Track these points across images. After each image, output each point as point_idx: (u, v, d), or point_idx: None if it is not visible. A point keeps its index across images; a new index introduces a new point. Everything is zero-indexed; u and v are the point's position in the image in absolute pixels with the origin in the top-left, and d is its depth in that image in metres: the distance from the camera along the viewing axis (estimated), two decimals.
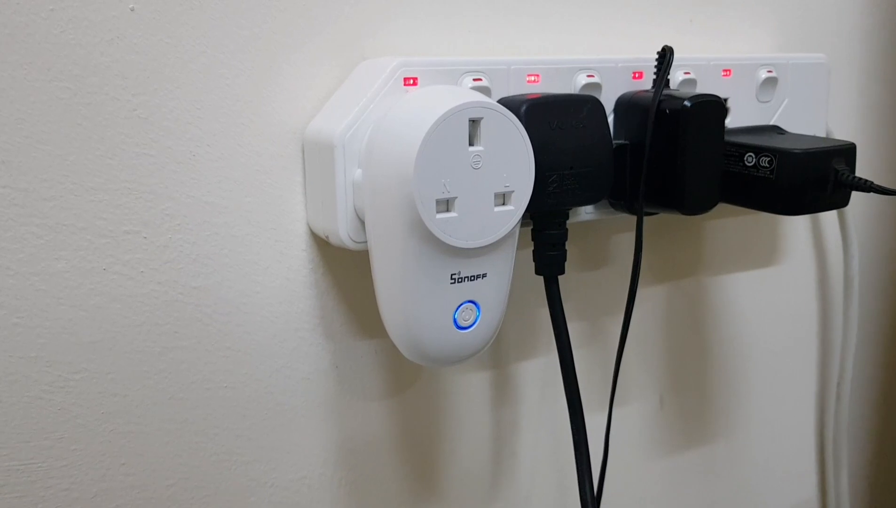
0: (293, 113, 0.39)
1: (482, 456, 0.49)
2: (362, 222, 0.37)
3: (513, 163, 0.35)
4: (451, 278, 0.36)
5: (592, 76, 0.43)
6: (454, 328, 0.36)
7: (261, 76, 0.38)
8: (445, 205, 0.34)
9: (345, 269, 0.42)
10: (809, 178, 0.44)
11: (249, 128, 0.38)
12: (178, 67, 0.36)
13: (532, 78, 0.41)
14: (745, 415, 0.62)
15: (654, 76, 0.44)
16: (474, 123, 0.34)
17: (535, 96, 0.39)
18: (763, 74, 0.50)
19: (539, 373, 0.50)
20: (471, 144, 0.34)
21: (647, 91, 0.44)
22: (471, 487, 0.49)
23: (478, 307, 0.37)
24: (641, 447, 0.56)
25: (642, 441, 0.56)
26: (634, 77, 0.45)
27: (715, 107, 0.42)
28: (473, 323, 0.37)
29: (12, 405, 0.35)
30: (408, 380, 0.45)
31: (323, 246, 0.41)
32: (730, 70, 0.49)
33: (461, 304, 0.36)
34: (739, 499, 0.63)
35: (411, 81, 0.38)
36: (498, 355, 0.48)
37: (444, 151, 0.33)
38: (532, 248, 0.41)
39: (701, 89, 0.47)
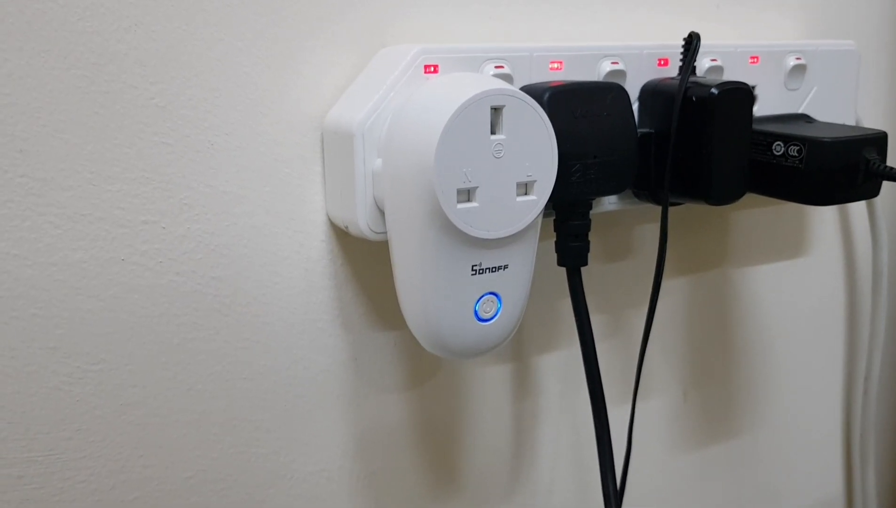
0: (312, 101, 0.38)
1: (502, 449, 0.48)
2: (382, 212, 0.36)
3: (535, 152, 0.34)
4: (472, 270, 0.35)
5: (617, 63, 0.42)
6: (475, 320, 0.36)
7: (279, 64, 0.37)
8: (466, 195, 0.33)
9: (364, 259, 0.41)
10: (839, 167, 0.43)
11: (268, 116, 0.37)
12: (196, 55, 0.35)
13: (555, 65, 0.40)
14: (770, 410, 0.61)
15: (681, 63, 0.43)
16: (496, 110, 0.33)
17: (558, 84, 0.38)
18: (791, 62, 0.49)
19: (560, 366, 0.49)
20: (493, 132, 0.33)
21: (672, 78, 0.43)
22: (490, 480, 0.48)
23: (499, 299, 0.36)
24: (664, 441, 0.55)
25: (665, 436, 0.56)
26: (660, 64, 0.44)
27: (742, 94, 0.41)
28: (494, 315, 0.36)
29: (31, 395, 0.34)
30: (427, 372, 0.44)
31: (342, 236, 0.40)
32: (757, 57, 0.48)
33: (482, 296, 0.36)
34: (764, 495, 0.62)
35: (432, 69, 0.37)
36: (519, 347, 0.47)
37: (465, 140, 0.33)
38: (554, 239, 0.41)
39: (728, 77, 0.46)
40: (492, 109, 0.33)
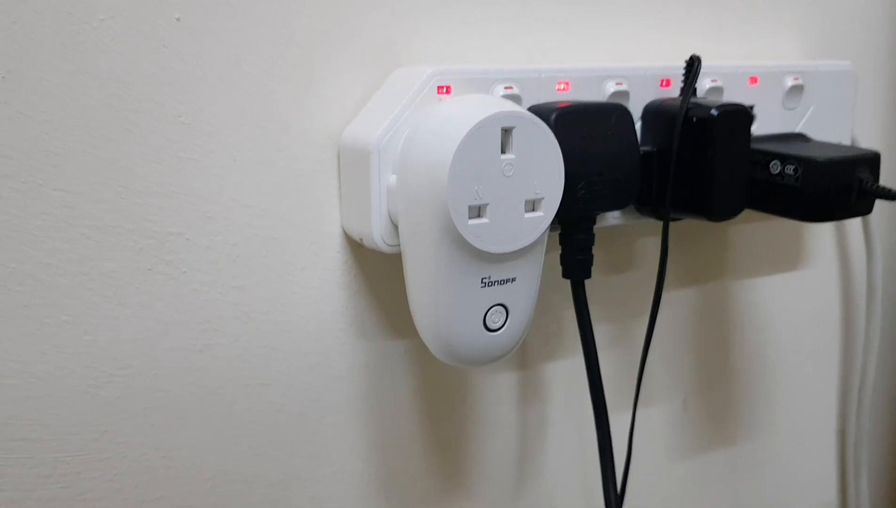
0: (330, 119, 0.40)
1: (508, 456, 0.50)
2: (396, 226, 0.38)
3: (543, 170, 0.36)
4: (482, 282, 0.37)
5: (621, 84, 0.44)
6: (484, 330, 0.38)
7: (299, 83, 0.39)
8: (477, 211, 0.35)
9: (377, 271, 0.43)
10: (834, 186, 0.45)
11: (288, 133, 0.39)
12: (220, 76, 0.37)
13: (561, 86, 0.42)
14: (767, 419, 0.63)
15: (682, 84, 0.45)
16: (507, 131, 0.35)
17: (564, 104, 0.40)
18: (789, 82, 0.51)
19: (564, 374, 0.51)
20: (503, 151, 0.35)
21: (674, 99, 0.45)
22: (496, 485, 0.50)
23: (507, 310, 0.38)
24: (664, 448, 0.57)
25: (665, 443, 0.57)
26: (662, 85, 0.46)
27: (741, 116, 0.43)
28: (502, 326, 0.38)
29: (61, 398, 0.36)
30: (437, 379, 0.46)
31: (356, 248, 0.42)
32: (756, 78, 0.50)
33: (491, 307, 0.37)
34: (761, 502, 0.64)
35: (445, 90, 0.39)
36: (524, 356, 0.49)
37: (477, 159, 0.34)
38: (559, 251, 0.42)
39: (728, 97, 0.48)
40: (502, 129, 0.35)
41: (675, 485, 0.58)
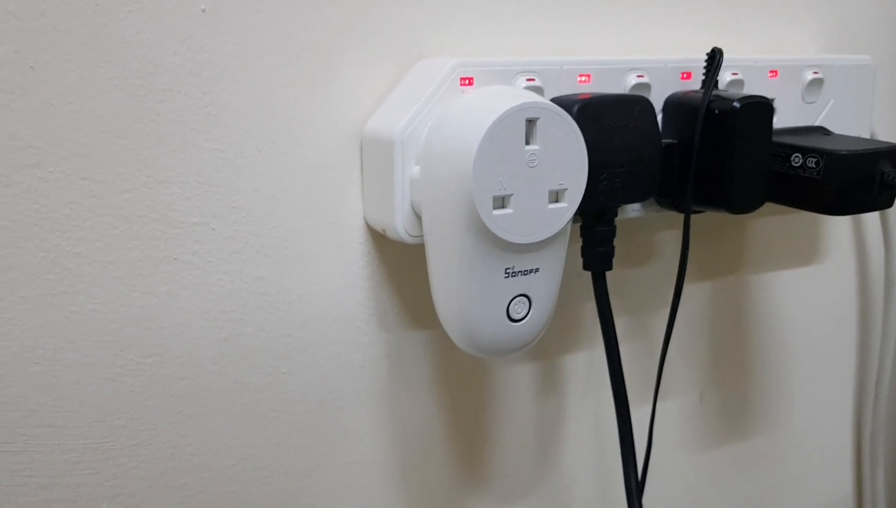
0: (352, 111, 0.40)
1: (527, 446, 0.50)
2: (419, 217, 0.38)
3: (567, 161, 0.36)
4: (506, 273, 0.37)
5: (642, 76, 0.44)
6: (507, 320, 0.38)
7: (322, 75, 0.39)
8: (501, 202, 0.35)
9: (399, 262, 0.43)
10: (855, 179, 0.45)
11: (311, 125, 0.39)
12: (244, 67, 0.37)
13: (583, 78, 0.42)
14: (783, 412, 0.63)
15: (703, 77, 0.45)
16: (531, 122, 0.35)
17: (586, 96, 0.40)
18: (809, 76, 0.51)
19: (584, 366, 0.51)
20: (527, 142, 0.35)
21: (695, 91, 0.45)
22: (515, 475, 0.50)
23: (530, 301, 0.38)
24: (681, 441, 0.57)
25: (682, 436, 0.57)
26: (683, 77, 0.46)
27: (763, 108, 0.43)
28: (525, 316, 0.38)
29: (88, 386, 0.37)
30: (457, 370, 0.46)
31: (378, 240, 0.42)
32: (776, 71, 0.50)
33: (514, 297, 0.38)
34: (776, 495, 0.64)
35: (467, 81, 0.39)
36: (544, 347, 0.49)
37: (501, 150, 0.34)
38: (580, 243, 0.42)
39: (748, 90, 0.48)
40: (527, 120, 0.35)
41: (692, 477, 0.59)
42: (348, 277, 0.42)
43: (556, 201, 0.37)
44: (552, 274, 0.38)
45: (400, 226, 0.39)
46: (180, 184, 0.37)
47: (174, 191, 0.37)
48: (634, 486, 0.43)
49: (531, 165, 0.35)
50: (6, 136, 0.33)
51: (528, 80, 0.40)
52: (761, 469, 0.62)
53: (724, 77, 0.47)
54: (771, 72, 0.50)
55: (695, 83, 0.46)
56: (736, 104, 0.42)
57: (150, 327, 0.37)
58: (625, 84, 0.44)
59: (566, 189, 0.36)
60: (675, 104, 0.45)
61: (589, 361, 0.51)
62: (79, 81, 0.34)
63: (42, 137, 0.34)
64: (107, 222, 0.36)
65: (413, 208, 0.38)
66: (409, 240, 0.39)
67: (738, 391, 0.60)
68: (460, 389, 0.47)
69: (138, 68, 0.35)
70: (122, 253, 0.36)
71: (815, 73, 0.51)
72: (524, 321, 0.38)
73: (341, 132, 0.40)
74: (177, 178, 0.37)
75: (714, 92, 0.44)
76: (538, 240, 0.36)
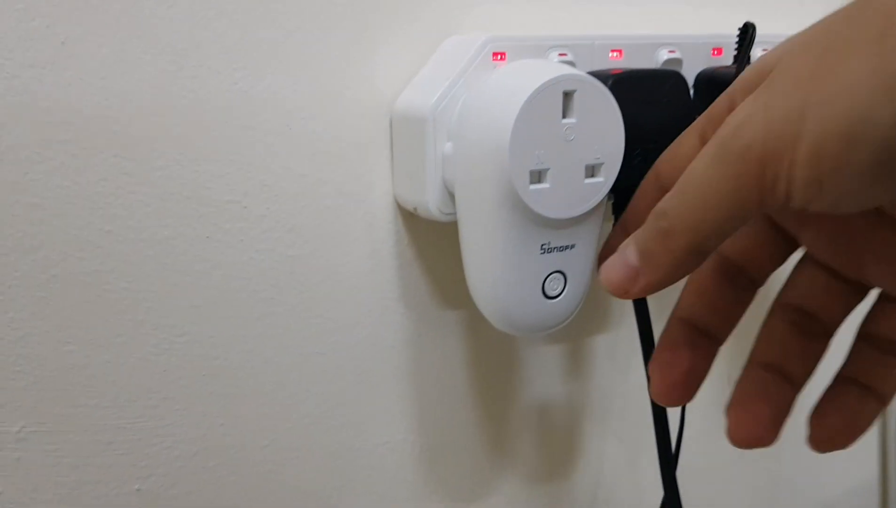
0: (382, 88, 0.40)
1: (557, 426, 0.50)
2: (451, 195, 0.38)
3: (604, 135, 0.36)
4: (541, 249, 0.36)
5: (674, 52, 0.43)
6: (542, 297, 0.37)
7: (352, 52, 0.39)
8: (538, 176, 0.35)
9: (429, 241, 0.43)
10: None
11: (341, 102, 0.39)
12: (275, 43, 0.37)
13: (614, 54, 0.42)
14: (809, 395, 0.62)
15: (736, 52, 0.44)
16: (568, 95, 0.34)
17: (618, 71, 0.40)
18: None
19: (611, 346, 0.51)
20: (564, 116, 0.35)
21: (727, 67, 0.44)
22: (544, 456, 0.50)
23: (565, 278, 0.38)
24: (708, 423, 0.57)
25: (706, 417, 0.57)
26: (714, 54, 0.45)
27: None
28: (561, 293, 0.38)
29: (120, 365, 0.36)
30: (488, 351, 0.46)
31: (408, 218, 0.42)
32: None
33: (549, 274, 0.37)
34: (802, 478, 0.63)
35: (499, 57, 0.38)
36: (575, 326, 0.49)
37: (538, 123, 0.34)
38: (612, 222, 0.42)
39: None
40: (564, 93, 0.34)
41: (717, 459, 0.58)
42: (378, 256, 0.42)
43: (593, 176, 0.36)
44: (588, 250, 0.38)
45: (432, 204, 0.38)
46: (212, 161, 0.37)
47: (206, 169, 0.36)
48: (669, 462, 0.42)
49: (568, 138, 0.35)
50: (38, 111, 0.33)
51: (560, 55, 0.40)
52: (787, 453, 0.62)
53: (754, 53, 0.46)
54: None
55: (725, 59, 0.45)
56: None
57: (183, 306, 0.37)
58: (656, 60, 0.43)
59: (603, 163, 0.36)
60: (707, 80, 0.44)
61: (616, 341, 0.51)
62: (109, 58, 0.34)
63: (73, 112, 0.33)
64: (139, 199, 0.35)
65: (445, 185, 0.38)
66: (441, 218, 0.38)
67: None
68: (491, 370, 0.46)
69: (169, 44, 0.35)
70: (155, 231, 0.36)
71: None
72: (560, 298, 0.38)
73: (371, 109, 0.40)
74: (208, 155, 0.36)
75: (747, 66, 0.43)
76: (575, 215, 0.36)
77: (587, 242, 0.38)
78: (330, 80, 0.39)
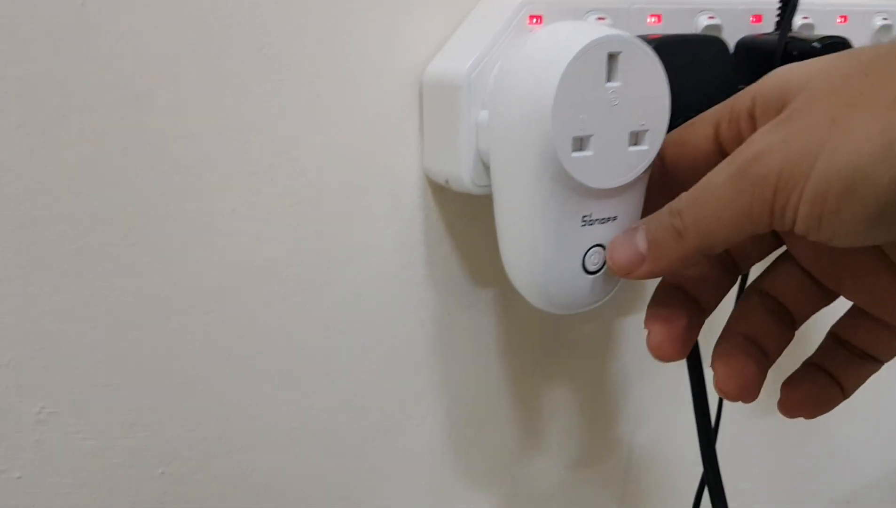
0: (411, 56, 0.38)
1: (589, 406, 0.48)
2: (486, 166, 0.36)
3: (649, 100, 0.34)
4: (583, 221, 0.35)
5: (713, 18, 0.41)
6: (582, 272, 0.36)
7: (381, 17, 0.37)
8: (580, 143, 0.33)
9: (458, 216, 0.41)
10: None
11: (369, 71, 0.37)
12: (303, 6, 0.35)
13: (653, 19, 0.40)
14: None
15: (777, 19, 0.42)
16: (612, 57, 0.33)
17: (656, 37, 0.38)
18: (878, 22, 0.49)
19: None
20: (608, 79, 0.33)
21: (767, 34, 0.43)
22: (574, 440, 0.48)
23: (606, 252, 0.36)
24: (744, 405, 0.55)
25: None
26: (753, 21, 0.43)
27: (843, 48, 0.41)
28: (602, 267, 0.36)
29: (145, 343, 0.35)
30: (519, 330, 0.44)
31: (437, 193, 0.40)
32: (846, 17, 0.47)
33: (590, 248, 0.35)
34: (838, 461, 0.62)
35: (536, 20, 0.37)
36: (609, 305, 0.47)
37: (582, 87, 0.32)
38: None
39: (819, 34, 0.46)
40: (608, 55, 0.33)
41: (756, 441, 0.57)
42: (407, 232, 0.40)
43: (636, 144, 0.34)
44: (630, 223, 0.36)
45: (466, 175, 0.37)
46: (236, 131, 0.35)
47: (230, 138, 0.35)
48: (709, 442, 0.41)
49: (612, 103, 0.33)
50: (57, 79, 0.31)
51: (599, 18, 0.38)
52: (823, 436, 0.61)
53: (795, 21, 0.45)
54: (840, 17, 0.47)
55: (765, 27, 0.44)
56: (816, 44, 0.40)
57: (208, 283, 0.35)
58: (695, 25, 0.41)
59: (647, 130, 0.34)
60: (747, 47, 0.42)
61: None
62: (131, 24, 0.32)
63: (94, 79, 0.32)
64: (162, 170, 0.34)
65: (479, 155, 0.36)
66: (475, 190, 0.37)
67: (802, 355, 0.58)
68: (522, 349, 0.45)
69: (195, 8, 0.33)
70: (178, 204, 0.34)
71: (885, 19, 0.49)
72: (601, 273, 0.36)
73: (400, 78, 0.38)
74: (232, 125, 0.35)
75: (789, 34, 0.41)
76: (619, 185, 0.34)
77: (630, 213, 0.36)
78: (358, 46, 0.37)
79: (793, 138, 0.26)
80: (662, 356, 0.33)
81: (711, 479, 0.40)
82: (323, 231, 0.38)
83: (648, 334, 0.33)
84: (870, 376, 0.34)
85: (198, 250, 0.35)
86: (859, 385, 0.34)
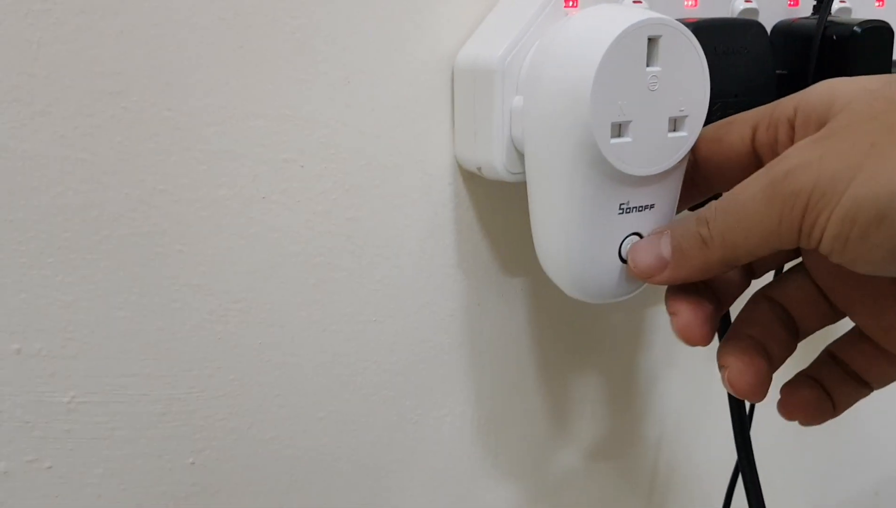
0: (443, 41, 0.38)
1: (618, 400, 0.48)
2: (519, 153, 0.36)
3: (689, 86, 0.33)
4: (620, 209, 0.34)
5: (750, 2, 0.41)
6: (619, 261, 0.35)
7: (412, 2, 0.36)
8: (619, 129, 0.32)
9: (489, 204, 0.40)
10: None
11: (401, 55, 0.37)
12: None
13: (689, 2, 0.39)
14: None
15: (815, 3, 0.41)
16: (652, 41, 0.32)
17: (693, 20, 0.37)
18: None
19: None
20: (648, 64, 0.32)
21: (805, 18, 0.42)
22: (602, 432, 0.48)
23: None
24: (772, 398, 0.55)
25: (772, 394, 0.55)
26: (790, 5, 0.42)
27: (885, 33, 0.40)
28: None
29: (174, 332, 0.34)
30: (550, 321, 0.44)
31: (469, 180, 0.40)
32: (884, 0, 0.46)
33: (627, 236, 0.35)
34: (867, 452, 0.61)
35: (571, 3, 0.36)
36: (639, 297, 0.47)
37: (621, 72, 0.32)
38: None
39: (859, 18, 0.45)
40: (648, 39, 0.32)
41: (783, 434, 0.56)
42: (438, 219, 0.39)
43: (675, 130, 0.34)
44: (667, 212, 0.35)
45: (499, 162, 0.36)
46: (267, 117, 0.34)
47: (261, 124, 0.34)
48: (743, 426, 0.40)
49: (652, 88, 0.32)
50: (87, 61, 0.31)
51: (636, 1, 0.37)
52: (850, 431, 0.60)
53: (833, 5, 0.44)
54: (878, 0, 0.46)
55: (802, 11, 0.43)
56: (857, 28, 0.39)
57: (239, 270, 0.35)
58: (732, 9, 0.40)
59: (686, 116, 0.33)
60: (785, 32, 0.41)
61: None
62: (161, 6, 0.32)
63: (125, 63, 0.31)
64: (193, 156, 0.33)
65: (513, 142, 0.36)
66: (508, 178, 0.36)
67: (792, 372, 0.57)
68: (553, 340, 0.44)
69: None
70: (209, 190, 0.34)
71: None
72: None
73: (432, 63, 0.38)
74: (264, 110, 0.34)
75: (828, 18, 0.40)
76: (658, 172, 0.33)
77: (667, 202, 0.35)
78: (389, 30, 0.36)
79: (829, 158, 0.26)
80: (690, 338, 0.32)
81: (746, 467, 0.40)
82: (353, 218, 0.37)
83: (673, 317, 0.33)
84: (859, 400, 0.34)
85: (229, 237, 0.34)
86: (849, 406, 0.34)
